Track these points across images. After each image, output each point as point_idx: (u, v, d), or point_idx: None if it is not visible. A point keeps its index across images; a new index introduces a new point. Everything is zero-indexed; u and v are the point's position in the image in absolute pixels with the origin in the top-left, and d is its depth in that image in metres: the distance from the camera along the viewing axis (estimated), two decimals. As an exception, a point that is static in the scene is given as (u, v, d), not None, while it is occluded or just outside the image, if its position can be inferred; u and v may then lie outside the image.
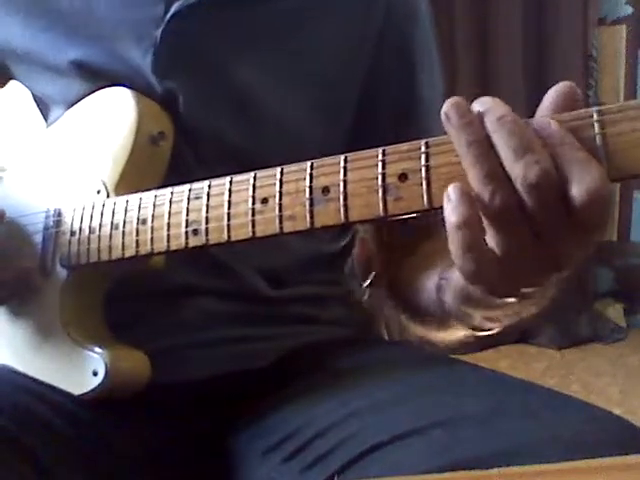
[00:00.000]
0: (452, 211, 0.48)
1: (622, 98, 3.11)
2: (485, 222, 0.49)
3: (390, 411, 0.61)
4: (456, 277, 0.56)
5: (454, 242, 0.49)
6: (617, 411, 0.57)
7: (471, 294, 0.56)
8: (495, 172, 0.47)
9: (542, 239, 0.48)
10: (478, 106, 0.49)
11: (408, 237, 0.81)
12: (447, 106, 0.49)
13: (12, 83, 0.90)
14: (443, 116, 0.49)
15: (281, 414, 0.70)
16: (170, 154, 0.74)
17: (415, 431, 0.56)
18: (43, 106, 0.88)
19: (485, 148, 0.47)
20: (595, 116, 0.47)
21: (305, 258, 0.81)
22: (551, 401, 0.60)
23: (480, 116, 0.48)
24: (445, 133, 0.51)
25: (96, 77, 0.77)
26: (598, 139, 0.46)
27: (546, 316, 0.60)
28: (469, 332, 0.68)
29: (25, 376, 0.74)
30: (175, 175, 0.70)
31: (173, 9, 0.76)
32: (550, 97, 0.49)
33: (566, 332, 3.01)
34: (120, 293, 0.74)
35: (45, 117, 0.89)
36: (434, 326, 0.76)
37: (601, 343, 3.02)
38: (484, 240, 0.49)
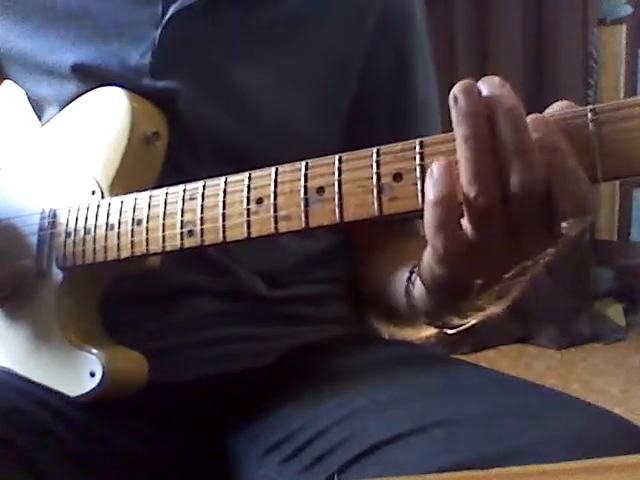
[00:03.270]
0: (431, 186, 0.49)
1: (622, 98, 3.10)
2: (465, 209, 0.49)
3: (390, 411, 0.61)
4: (426, 264, 0.57)
5: (429, 218, 0.50)
6: (617, 411, 0.57)
7: (439, 279, 0.56)
8: (485, 172, 0.47)
9: (515, 234, 0.49)
10: (487, 89, 0.48)
11: (381, 238, 0.82)
12: (458, 89, 0.48)
13: (6, 83, 0.90)
14: (451, 98, 0.48)
15: (281, 414, 0.69)
16: (165, 154, 0.74)
17: (415, 431, 0.56)
18: (37, 107, 0.88)
19: (482, 145, 0.47)
20: (590, 115, 0.47)
21: (302, 257, 0.81)
22: (552, 401, 0.60)
23: (488, 107, 0.48)
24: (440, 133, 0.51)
25: (92, 78, 0.77)
26: (593, 138, 0.46)
27: (510, 316, 0.61)
28: (436, 330, 0.68)
29: (21, 378, 0.74)
30: (172, 175, 0.70)
31: (172, 10, 0.76)
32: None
33: (566, 332, 3.01)
34: (116, 294, 0.74)
35: (39, 118, 0.89)
36: (401, 323, 0.76)
37: (601, 343, 3.03)
38: (458, 220, 0.50)
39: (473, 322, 0.63)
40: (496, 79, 0.49)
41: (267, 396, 0.73)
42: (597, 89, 3.16)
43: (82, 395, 0.70)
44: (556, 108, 0.49)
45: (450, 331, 0.66)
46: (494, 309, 0.60)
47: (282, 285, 0.80)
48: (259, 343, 0.78)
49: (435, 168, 0.49)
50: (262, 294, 0.78)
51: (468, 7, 3.10)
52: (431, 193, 0.49)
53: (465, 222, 0.50)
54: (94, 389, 0.69)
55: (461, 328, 0.65)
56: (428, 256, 0.55)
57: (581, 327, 3.06)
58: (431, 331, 0.70)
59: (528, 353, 2.95)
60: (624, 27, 3.15)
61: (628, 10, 3.15)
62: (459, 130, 0.48)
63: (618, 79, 3.16)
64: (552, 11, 3.12)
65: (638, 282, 3.18)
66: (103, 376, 0.68)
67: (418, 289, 0.63)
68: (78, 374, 0.70)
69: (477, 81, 0.49)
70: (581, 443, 0.51)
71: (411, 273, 0.66)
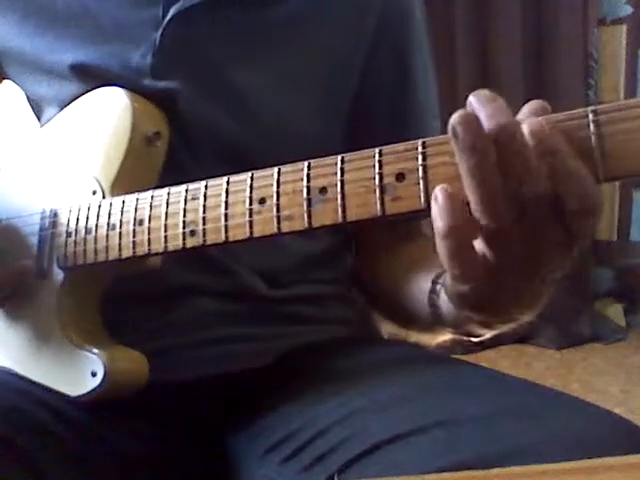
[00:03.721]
0: (439, 215, 0.49)
1: (622, 98, 3.11)
2: (480, 235, 0.49)
3: (391, 411, 0.61)
4: (451, 285, 0.56)
5: (441, 247, 0.50)
6: (617, 410, 0.57)
7: (459, 293, 0.56)
8: (496, 199, 0.47)
9: (535, 245, 0.49)
10: (483, 111, 0.47)
11: (386, 239, 0.82)
12: (456, 121, 0.47)
13: (5, 83, 0.90)
14: (451, 131, 0.48)
15: (281, 414, 0.69)
16: (166, 154, 0.74)
17: (416, 431, 0.56)
18: (37, 107, 0.88)
19: (489, 174, 0.47)
20: (590, 116, 0.47)
21: (302, 257, 0.81)
22: (552, 401, 0.60)
23: (490, 133, 0.47)
24: (441, 133, 0.51)
25: (92, 78, 0.77)
26: (593, 139, 0.46)
27: (539, 321, 0.60)
28: (460, 337, 0.68)
29: (21, 378, 0.74)
30: (172, 175, 0.70)
31: (172, 12, 0.76)
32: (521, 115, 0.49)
33: (566, 332, 3.01)
34: (117, 293, 0.74)
35: (38, 118, 0.89)
36: (420, 329, 0.76)
37: (601, 343, 3.03)
38: (471, 245, 0.50)
39: (501, 331, 0.62)
40: (486, 94, 0.48)
41: (267, 396, 0.73)
42: (597, 89, 3.16)
43: (83, 395, 0.70)
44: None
45: (476, 339, 0.65)
46: (525, 318, 0.59)
47: (282, 285, 0.80)
48: (259, 343, 0.78)
49: (439, 194, 0.49)
50: (262, 294, 0.78)
51: (468, 7, 3.10)
52: (439, 223, 0.49)
53: (482, 246, 0.50)
54: (95, 389, 0.69)
55: (488, 336, 0.64)
56: (450, 279, 0.54)
57: (581, 327, 3.06)
58: (449, 336, 0.70)
59: (528, 353, 2.95)
60: (624, 27, 3.15)
61: (628, 10, 3.15)
62: (464, 163, 0.47)
63: (618, 79, 3.16)
64: (552, 11, 3.11)
65: (638, 282, 3.18)
66: (105, 376, 0.68)
67: (444, 301, 0.63)
68: (79, 374, 0.70)
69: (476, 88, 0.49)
70: (581, 443, 0.51)
71: (434, 283, 0.65)
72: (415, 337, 0.79)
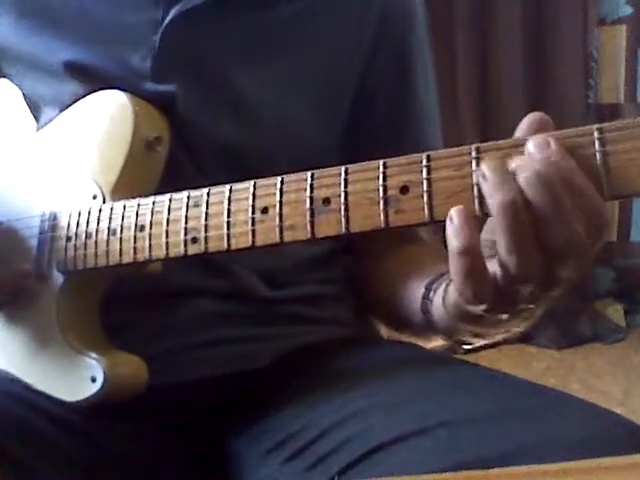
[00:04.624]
0: (454, 235, 0.49)
1: (622, 98, 3.10)
2: (500, 269, 0.50)
3: (392, 411, 0.61)
4: (451, 292, 0.57)
5: (455, 267, 0.50)
6: (618, 411, 0.57)
7: (463, 311, 0.56)
8: (525, 240, 0.48)
9: (552, 263, 0.49)
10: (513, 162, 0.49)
11: (381, 242, 0.82)
12: (485, 167, 0.49)
13: (2, 82, 0.89)
14: (480, 175, 0.49)
15: (282, 415, 0.69)
16: (166, 159, 0.73)
17: (418, 432, 0.56)
18: (34, 107, 0.88)
19: (520, 210, 0.47)
20: (596, 134, 0.47)
21: (302, 258, 0.81)
22: (552, 401, 0.60)
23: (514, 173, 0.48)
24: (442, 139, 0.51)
25: (90, 79, 0.77)
26: (598, 157, 0.47)
27: (540, 321, 0.61)
28: (451, 344, 0.68)
29: (19, 384, 0.73)
30: (172, 180, 0.70)
31: (172, 14, 0.76)
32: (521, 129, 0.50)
33: (566, 332, 3.01)
34: (116, 297, 0.73)
35: (36, 118, 0.88)
36: (413, 334, 0.76)
37: (601, 343, 3.02)
38: (485, 264, 0.50)
39: (494, 341, 0.63)
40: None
41: (268, 397, 0.73)
42: (597, 89, 3.16)
43: (83, 400, 0.69)
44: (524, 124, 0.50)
45: (467, 347, 0.66)
46: (519, 329, 0.59)
47: (282, 286, 0.80)
48: (260, 344, 0.78)
49: (455, 215, 0.49)
50: (262, 295, 0.78)
51: (468, 7, 3.10)
52: (454, 243, 0.49)
53: (495, 268, 0.50)
54: (95, 394, 0.69)
55: (480, 345, 0.65)
56: (454, 296, 0.55)
57: (581, 327, 3.05)
58: (442, 342, 0.70)
59: (528, 353, 2.95)
60: (624, 27, 3.14)
61: (628, 10, 3.14)
62: (494, 200, 0.48)
63: (618, 79, 3.15)
64: (552, 11, 3.11)
65: (638, 282, 3.18)
66: (104, 381, 0.68)
67: (437, 309, 0.63)
68: (79, 379, 0.70)
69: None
70: (582, 443, 0.51)
71: (427, 290, 0.66)
72: (410, 339, 0.79)
